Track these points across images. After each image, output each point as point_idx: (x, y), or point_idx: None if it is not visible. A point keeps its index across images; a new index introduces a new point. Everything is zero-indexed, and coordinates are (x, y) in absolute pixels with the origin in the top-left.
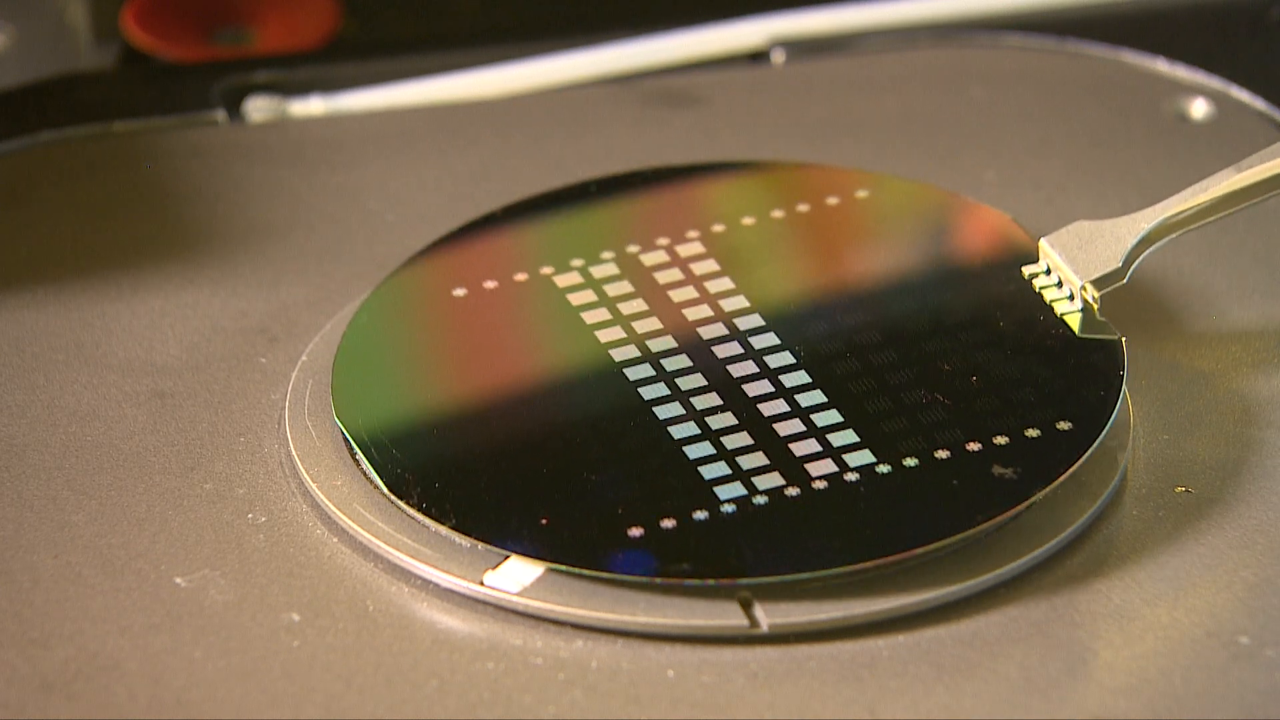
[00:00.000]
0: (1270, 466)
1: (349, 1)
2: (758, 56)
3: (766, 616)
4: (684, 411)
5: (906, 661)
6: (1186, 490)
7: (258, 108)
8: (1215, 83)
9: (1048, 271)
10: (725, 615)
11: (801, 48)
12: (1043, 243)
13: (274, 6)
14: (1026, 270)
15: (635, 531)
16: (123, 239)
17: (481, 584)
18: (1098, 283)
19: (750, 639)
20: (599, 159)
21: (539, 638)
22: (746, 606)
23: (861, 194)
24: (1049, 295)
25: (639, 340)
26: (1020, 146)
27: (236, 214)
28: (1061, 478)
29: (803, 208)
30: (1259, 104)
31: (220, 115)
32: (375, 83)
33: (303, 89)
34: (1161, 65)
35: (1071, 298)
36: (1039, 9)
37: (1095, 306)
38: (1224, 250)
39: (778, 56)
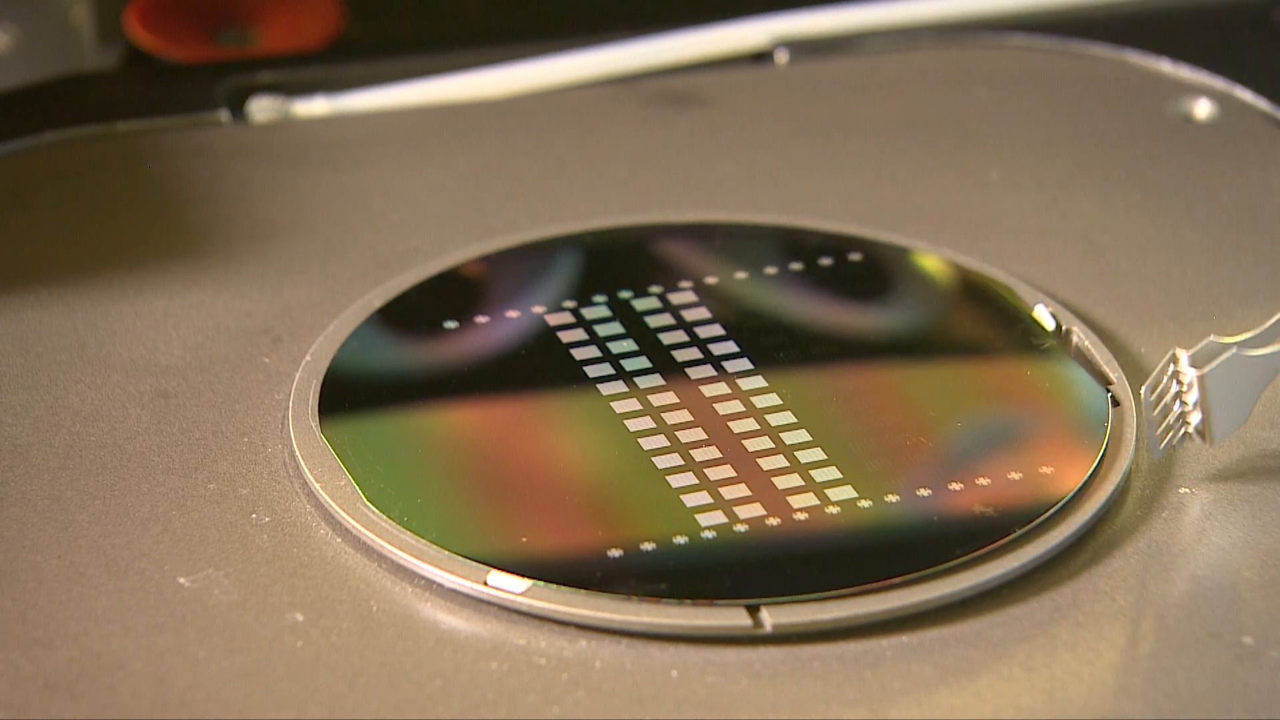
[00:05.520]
0: (1272, 466)
1: (352, 2)
2: (761, 57)
3: (770, 617)
4: (668, 443)
5: (910, 662)
6: (1190, 491)
7: (261, 108)
8: (1219, 83)
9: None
10: (729, 615)
11: (805, 48)
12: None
13: (277, 7)
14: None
15: (615, 552)
16: (126, 239)
17: (485, 584)
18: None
19: (754, 639)
20: (602, 160)
21: (543, 638)
22: (751, 607)
23: (854, 256)
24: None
25: (628, 377)
26: (1024, 147)
27: (240, 214)
28: (1042, 518)
29: (795, 265)
30: (1263, 104)
31: (224, 115)
32: (379, 83)
33: (306, 89)
34: (1165, 66)
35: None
36: (1043, 9)
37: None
38: (1226, 250)
39: (781, 57)
